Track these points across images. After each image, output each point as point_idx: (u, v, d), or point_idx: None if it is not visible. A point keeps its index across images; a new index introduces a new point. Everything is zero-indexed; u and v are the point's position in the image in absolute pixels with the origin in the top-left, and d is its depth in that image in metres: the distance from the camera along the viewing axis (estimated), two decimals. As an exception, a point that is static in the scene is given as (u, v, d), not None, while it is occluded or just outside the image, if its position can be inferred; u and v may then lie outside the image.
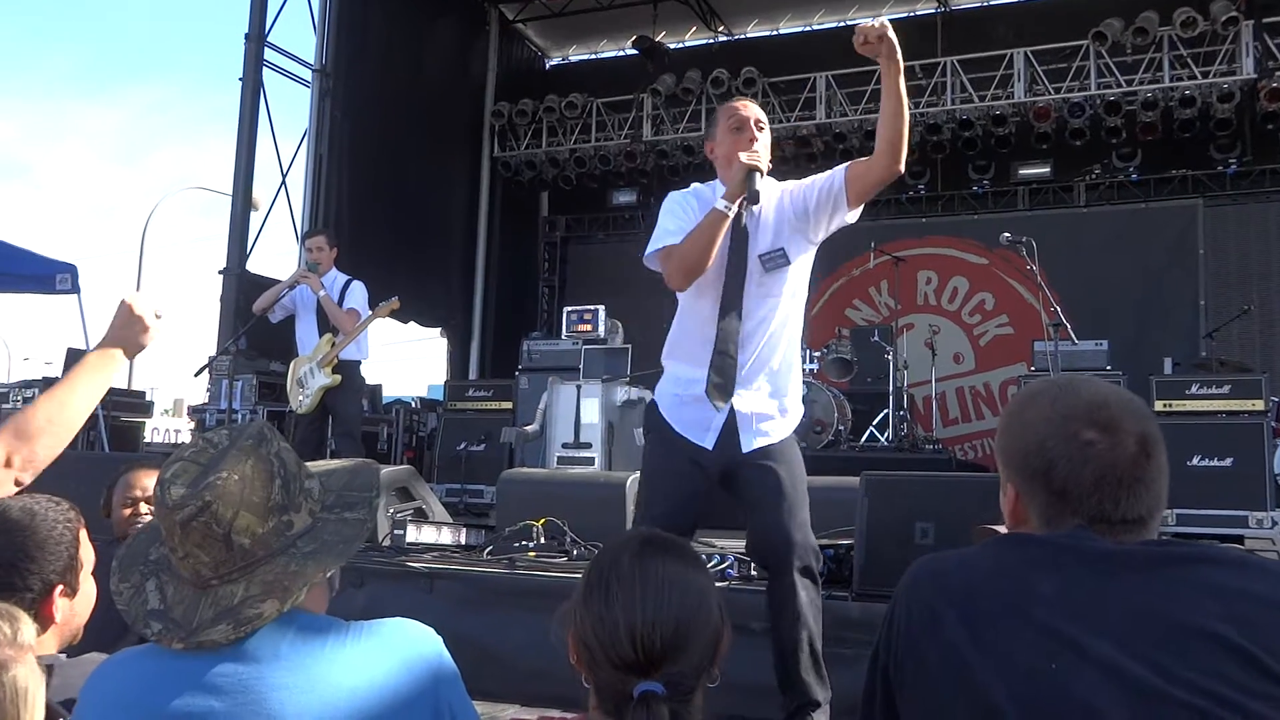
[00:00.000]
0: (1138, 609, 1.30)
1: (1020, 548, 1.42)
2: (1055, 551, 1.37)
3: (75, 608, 1.79)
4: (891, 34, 3.04)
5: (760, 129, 3.25)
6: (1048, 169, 11.65)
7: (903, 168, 3.13)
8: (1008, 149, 11.52)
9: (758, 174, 3.14)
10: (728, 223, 3.14)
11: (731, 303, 3.22)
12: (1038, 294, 6.63)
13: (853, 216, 3.23)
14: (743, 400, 3.27)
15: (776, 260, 3.25)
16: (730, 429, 3.27)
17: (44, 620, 1.72)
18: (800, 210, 3.24)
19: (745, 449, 3.28)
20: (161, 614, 1.42)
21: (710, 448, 3.29)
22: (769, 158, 3.23)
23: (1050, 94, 10.95)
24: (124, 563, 1.50)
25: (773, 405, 3.32)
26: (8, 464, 1.92)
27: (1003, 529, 1.61)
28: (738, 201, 3.13)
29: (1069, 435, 1.43)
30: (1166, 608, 1.29)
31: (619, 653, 1.35)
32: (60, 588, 1.75)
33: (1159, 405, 7.88)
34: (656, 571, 1.40)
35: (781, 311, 3.30)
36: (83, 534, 1.83)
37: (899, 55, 3.09)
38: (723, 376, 3.21)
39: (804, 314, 3.44)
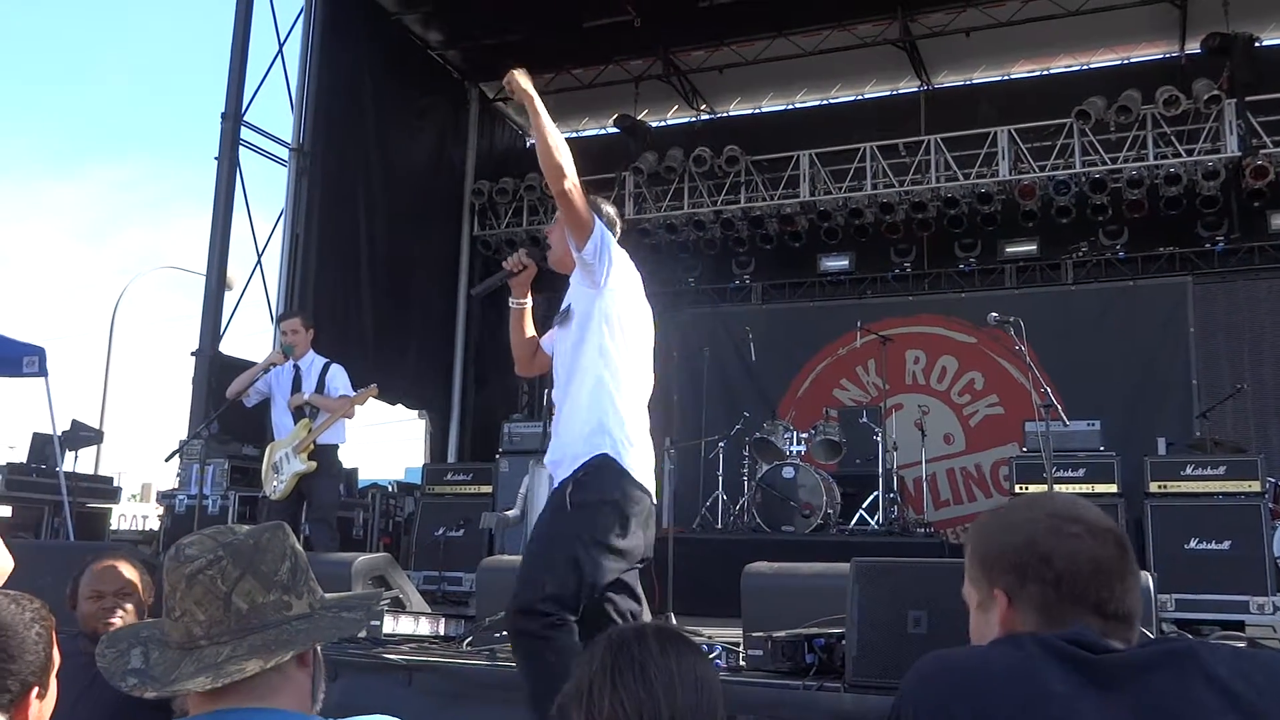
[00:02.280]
0: (1146, 712, 1.33)
1: (1028, 647, 1.41)
2: (1063, 652, 1.38)
3: (44, 709, 1.77)
4: (520, 82, 3.45)
5: (553, 223, 3.70)
6: (1034, 246, 11.59)
7: (559, 188, 3.37)
8: (994, 226, 11.48)
9: (507, 271, 3.66)
10: (522, 318, 3.76)
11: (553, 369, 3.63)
12: (1027, 373, 6.48)
13: (588, 250, 3.43)
14: (550, 451, 3.57)
15: (564, 317, 3.58)
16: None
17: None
18: (576, 265, 3.53)
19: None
20: (140, 671, 1.47)
21: None
22: (558, 245, 3.61)
23: (1035, 172, 10.93)
24: (114, 636, 1.56)
25: (560, 451, 3.48)
26: None
27: None
28: (518, 296, 3.72)
29: (1057, 529, 1.48)
30: (1173, 708, 1.33)
31: None
32: (36, 689, 1.73)
33: (1154, 486, 7.73)
34: (685, 658, 1.45)
35: (572, 360, 3.52)
36: (53, 634, 1.82)
37: (531, 102, 3.44)
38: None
39: (616, 349, 3.52)
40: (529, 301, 3.75)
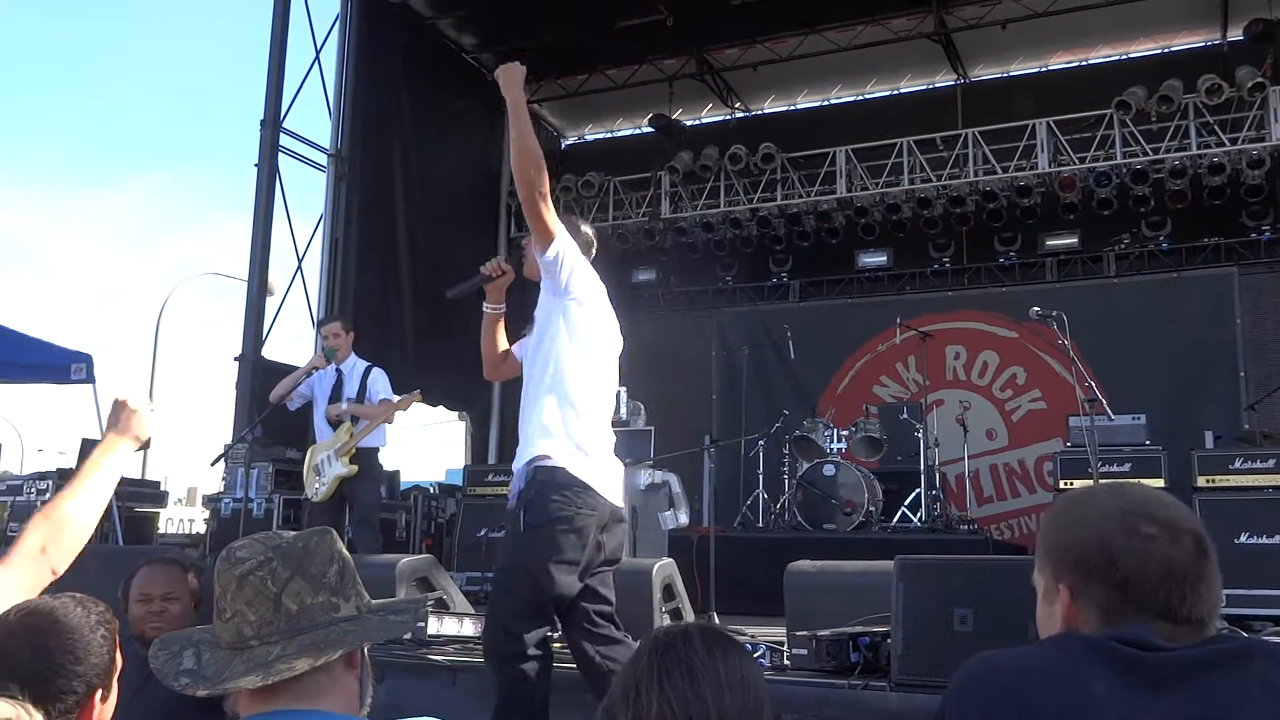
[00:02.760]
0: (1195, 717, 1.30)
1: (1074, 647, 1.39)
2: (1110, 652, 1.35)
3: (106, 711, 1.81)
4: (513, 78, 3.44)
5: (529, 234, 3.65)
6: (1075, 239, 11.45)
7: (527, 193, 3.39)
8: (1034, 220, 11.36)
9: (485, 275, 3.71)
10: (495, 323, 3.82)
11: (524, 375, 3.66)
12: (1070, 367, 6.41)
13: (550, 254, 3.46)
14: (516, 459, 3.54)
15: (530, 325, 3.65)
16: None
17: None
18: (542, 273, 3.57)
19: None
20: (193, 671, 1.50)
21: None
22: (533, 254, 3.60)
23: (1075, 164, 10.79)
24: (168, 639, 1.59)
25: (520, 459, 3.50)
26: (43, 552, 2.03)
27: None
28: (492, 301, 3.79)
29: (1130, 529, 1.42)
30: (1224, 713, 1.29)
31: None
32: (100, 691, 1.77)
33: (1202, 481, 7.61)
34: (731, 659, 1.45)
35: (530, 366, 3.61)
36: (116, 637, 1.87)
37: (516, 101, 3.45)
38: None
39: (573, 357, 3.55)
40: (503, 307, 3.81)
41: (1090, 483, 6.56)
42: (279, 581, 1.51)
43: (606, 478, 3.49)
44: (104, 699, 1.79)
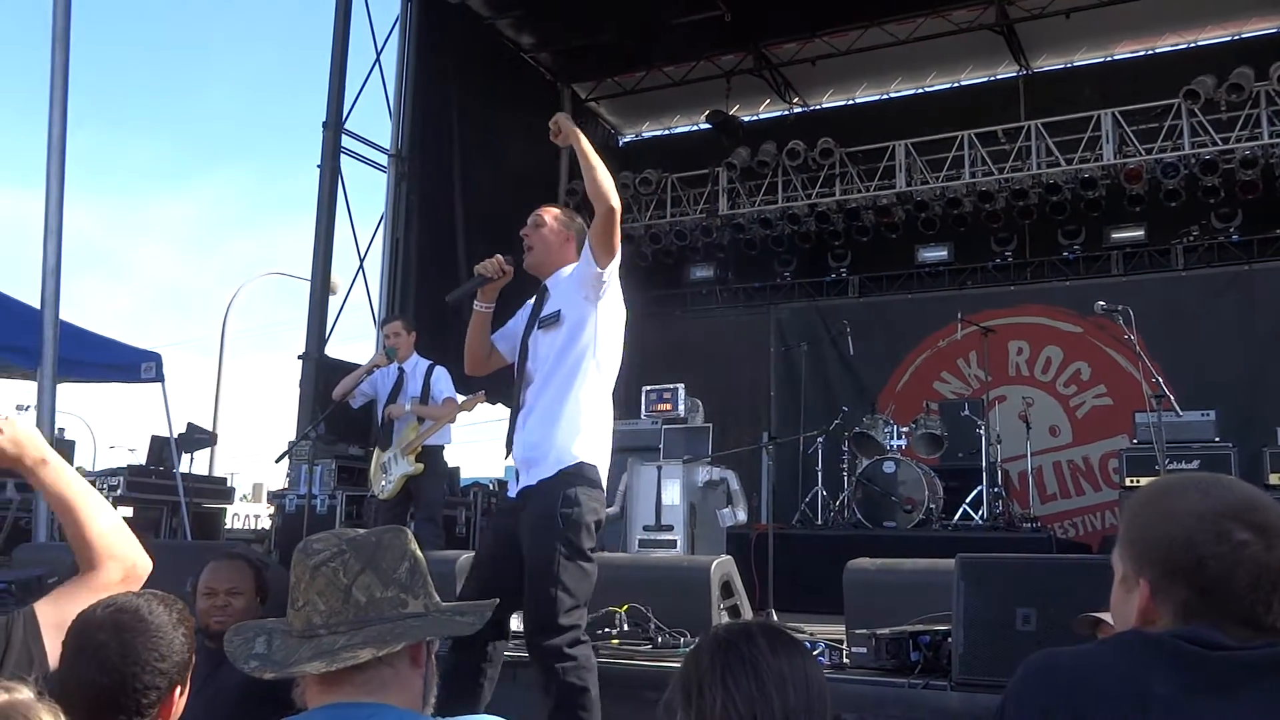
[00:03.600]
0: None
1: (1137, 646, 1.37)
2: (1174, 650, 1.32)
3: (182, 703, 1.88)
4: (567, 125, 3.68)
5: (533, 228, 3.86)
6: (1142, 232, 11.24)
7: (614, 205, 3.54)
8: (1099, 212, 11.16)
9: (484, 276, 3.75)
10: (485, 321, 3.86)
11: (520, 367, 3.76)
12: (1137, 363, 6.30)
13: (607, 270, 3.60)
14: (517, 448, 3.66)
15: (551, 320, 3.69)
16: (516, 475, 3.69)
17: (163, 713, 1.81)
18: (579, 277, 3.66)
19: (511, 493, 3.68)
20: (262, 655, 1.56)
21: (512, 495, 3.68)
22: (541, 249, 3.81)
23: (1141, 155, 10.59)
24: (243, 626, 1.66)
25: (537, 450, 3.58)
26: (124, 579, 2.07)
27: (1108, 616, 1.57)
28: (485, 300, 3.83)
29: (1221, 533, 1.35)
30: None
31: None
32: (179, 686, 1.85)
33: (1274, 479, 7.48)
34: (795, 658, 1.45)
35: (558, 363, 3.65)
36: (193, 633, 1.94)
37: (578, 140, 3.65)
38: (511, 428, 3.70)
39: (600, 362, 3.68)
40: (494, 306, 3.88)
41: (1187, 470, 6.44)
42: (350, 574, 1.55)
43: (604, 479, 3.68)
44: (182, 693, 1.86)
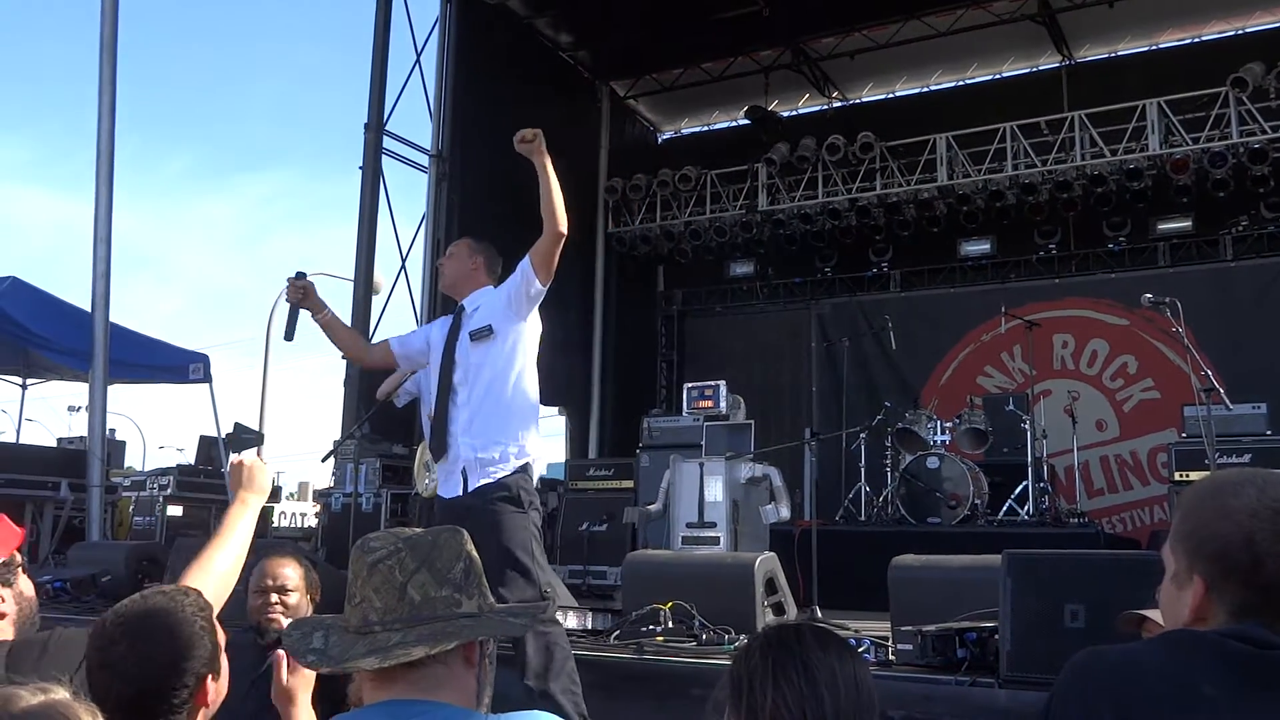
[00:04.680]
0: None
1: (1185, 644, 1.35)
2: (1223, 651, 1.30)
3: (220, 688, 1.90)
4: (539, 142, 4.01)
5: (446, 256, 4.43)
6: (1189, 223, 11.08)
7: (562, 229, 3.92)
8: (1144, 204, 11.02)
9: (294, 303, 4.20)
10: (329, 325, 4.27)
11: (446, 375, 4.09)
12: (1185, 355, 6.20)
13: (542, 289, 4.01)
14: (463, 449, 3.98)
15: (483, 333, 4.05)
16: (447, 478, 4.07)
17: (199, 707, 1.84)
18: (509, 294, 4.05)
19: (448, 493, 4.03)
20: (319, 650, 1.58)
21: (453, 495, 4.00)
22: (451, 273, 4.32)
23: (1188, 145, 10.44)
24: (302, 621, 1.70)
25: (475, 452, 3.96)
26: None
27: (1153, 613, 1.60)
28: (316, 311, 4.23)
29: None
30: None
31: None
32: (210, 675, 1.86)
33: (1329, 471, 7.27)
34: (844, 656, 1.46)
35: (491, 373, 4.02)
36: (214, 619, 1.95)
37: (542, 157, 4.00)
38: (433, 432, 4.09)
39: (530, 371, 4.11)
40: (327, 311, 4.26)
41: (1239, 465, 6.35)
42: (405, 572, 1.57)
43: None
44: (215, 679, 1.87)
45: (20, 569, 2.24)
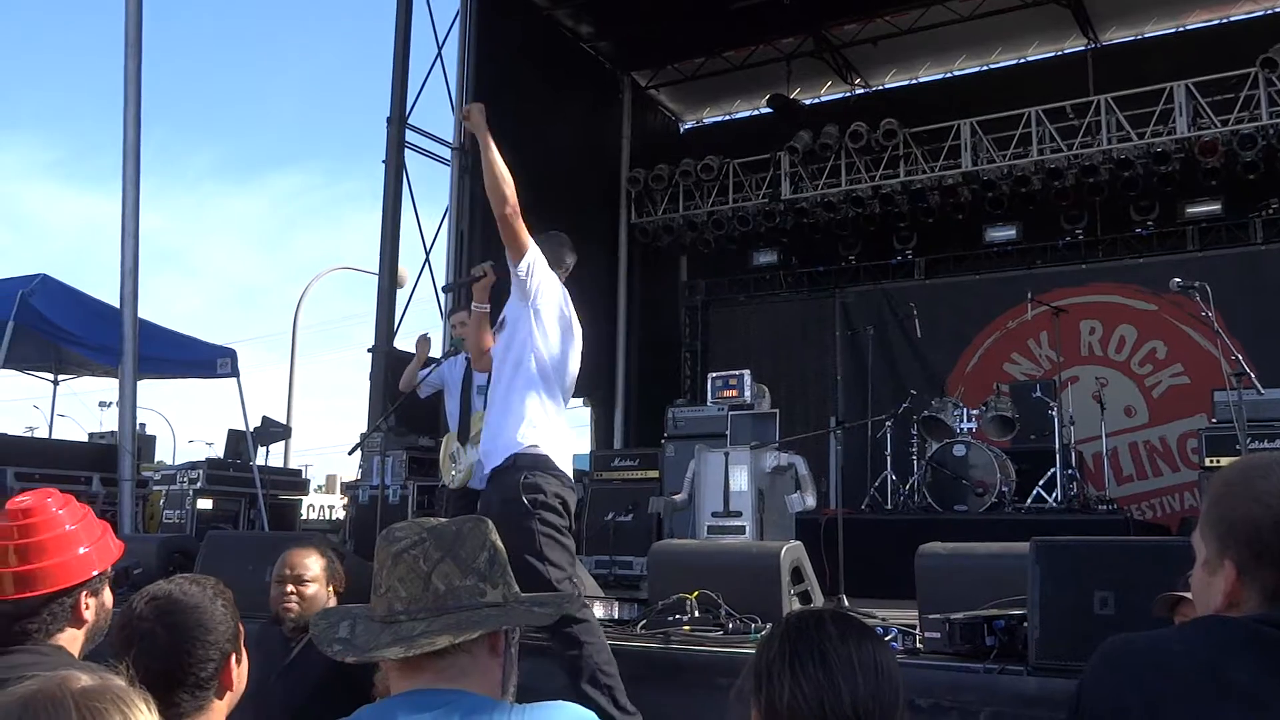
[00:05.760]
0: None
1: (1216, 631, 1.34)
2: (1254, 637, 1.29)
3: (242, 671, 1.94)
4: (478, 117, 4.03)
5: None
6: (1218, 206, 10.96)
7: (510, 208, 3.81)
8: (1172, 187, 10.90)
9: (473, 276, 4.26)
10: (481, 319, 4.26)
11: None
12: (1215, 340, 6.13)
13: (522, 267, 3.90)
14: (483, 441, 4.05)
15: (497, 328, 4.12)
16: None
17: (224, 687, 1.88)
18: (513, 284, 3.99)
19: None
20: (345, 640, 1.60)
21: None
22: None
23: (1217, 127, 10.32)
24: (328, 611, 1.72)
25: (492, 442, 3.94)
26: None
27: (1187, 595, 1.59)
28: (479, 300, 4.24)
29: None
30: None
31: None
32: (233, 655, 1.91)
33: (1362, 456, 7.19)
34: (864, 645, 1.43)
35: (502, 362, 4.03)
36: (233, 603, 1.99)
37: (484, 134, 3.95)
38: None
39: (541, 357, 4.00)
40: (487, 306, 4.25)
41: (1271, 450, 6.29)
42: (430, 561, 1.59)
43: (566, 458, 4.00)
44: (238, 662, 1.92)
45: (108, 581, 2.28)
